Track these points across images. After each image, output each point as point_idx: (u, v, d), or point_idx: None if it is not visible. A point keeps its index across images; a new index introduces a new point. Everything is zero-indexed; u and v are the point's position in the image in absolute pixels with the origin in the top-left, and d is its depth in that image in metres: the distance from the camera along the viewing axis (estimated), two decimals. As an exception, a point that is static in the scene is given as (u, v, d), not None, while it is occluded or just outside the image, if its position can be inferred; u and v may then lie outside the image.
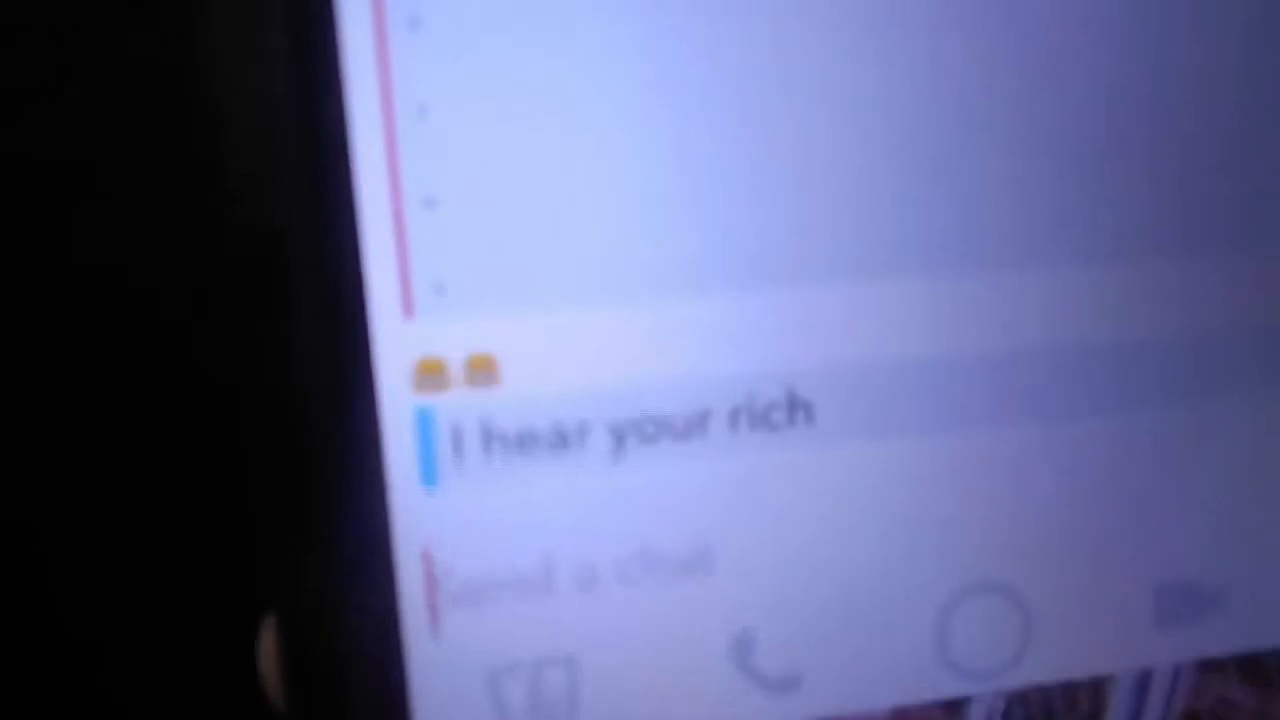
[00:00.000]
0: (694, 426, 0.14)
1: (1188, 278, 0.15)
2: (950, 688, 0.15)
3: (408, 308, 0.13)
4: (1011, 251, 0.15)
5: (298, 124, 0.13)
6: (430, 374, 0.13)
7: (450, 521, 0.14)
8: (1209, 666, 0.16)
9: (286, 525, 0.14)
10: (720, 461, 0.14)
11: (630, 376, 0.14)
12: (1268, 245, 0.16)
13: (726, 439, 0.14)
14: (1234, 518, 0.16)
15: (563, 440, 0.14)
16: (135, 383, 0.20)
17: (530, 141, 0.13)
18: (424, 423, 0.14)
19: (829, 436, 0.15)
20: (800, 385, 0.15)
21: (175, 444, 0.20)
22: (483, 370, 0.14)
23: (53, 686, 0.21)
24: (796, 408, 0.15)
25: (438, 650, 0.14)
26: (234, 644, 0.16)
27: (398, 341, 0.13)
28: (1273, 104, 0.15)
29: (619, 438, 0.14)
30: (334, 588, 0.14)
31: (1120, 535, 0.16)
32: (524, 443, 0.14)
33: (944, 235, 0.15)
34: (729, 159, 0.14)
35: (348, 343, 0.13)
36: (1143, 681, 0.16)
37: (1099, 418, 0.15)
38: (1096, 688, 0.16)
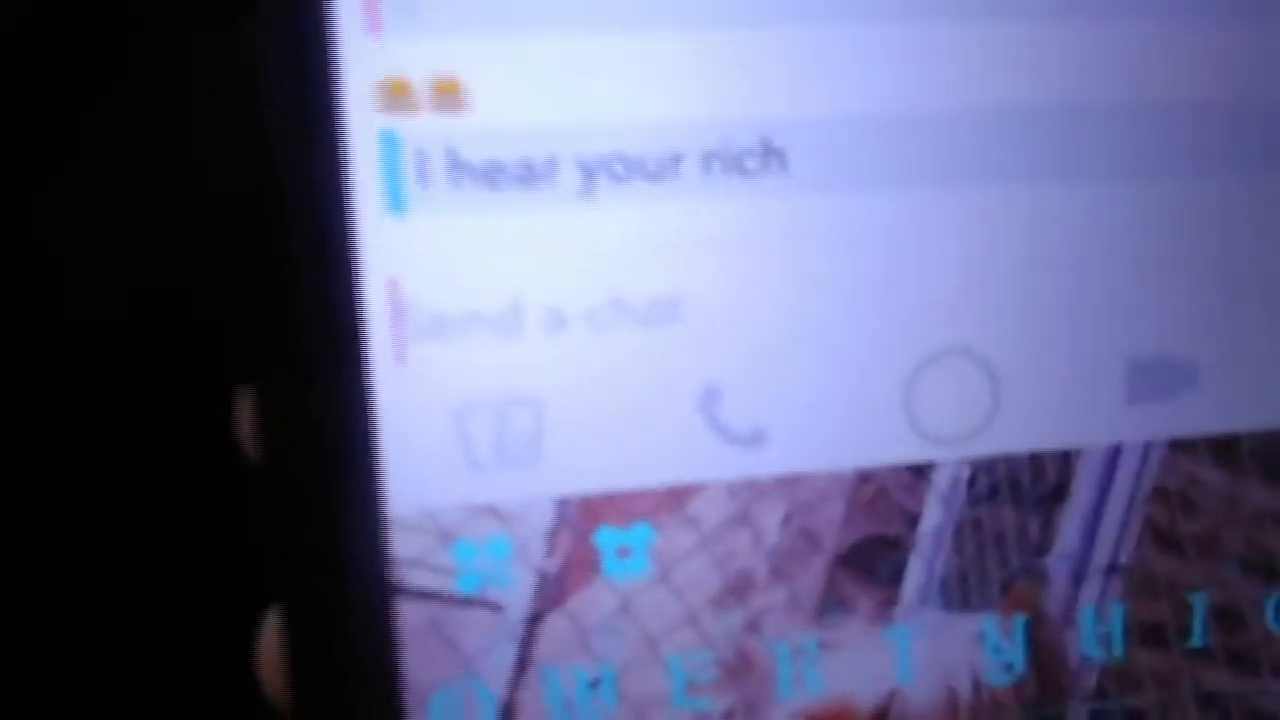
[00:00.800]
0: (665, 168, 0.14)
1: (1194, 41, 0.15)
2: (916, 451, 0.15)
3: (374, 23, 0.13)
4: (994, 2, 0.15)
5: None
6: (396, 95, 0.13)
7: (418, 251, 0.14)
8: (1180, 446, 0.16)
9: (254, 248, 0.14)
10: (692, 205, 0.14)
11: (602, 113, 0.14)
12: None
13: (698, 182, 0.14)
14: (1212, 297, 0.16)
15: (531, 174, 0.14)
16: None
17: None
18: (389, 145, 0.13)
19: (802, 186, 0.15)
20: (775, 133, 0.14)
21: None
22: (450, 94, 0.13)
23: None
24: (770, 154, 0.14)
25: (404, 383, 0.14)
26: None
27: (364, 59, 0.13)
28: None
29: (589, 175, 0.14)
30: (301, 314, 0.14)
31: (1094, 305, 0.16)
32: (491, 174, 0.14)
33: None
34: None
35: (312, 57, 0.13)
36: (1111, 457, 0.16)
37: (1078, 183, 0.15)
38: (1064, 461, 0.16)
